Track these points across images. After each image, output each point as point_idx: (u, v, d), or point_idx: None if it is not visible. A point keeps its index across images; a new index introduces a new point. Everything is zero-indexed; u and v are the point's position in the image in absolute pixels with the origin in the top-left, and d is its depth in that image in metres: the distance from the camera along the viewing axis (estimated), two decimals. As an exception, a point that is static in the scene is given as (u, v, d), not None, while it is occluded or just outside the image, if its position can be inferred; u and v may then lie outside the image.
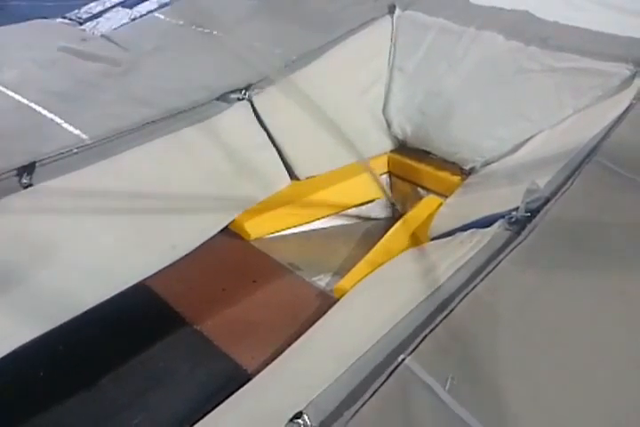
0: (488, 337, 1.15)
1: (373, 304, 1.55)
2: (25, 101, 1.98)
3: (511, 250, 1.33)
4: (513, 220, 1.47)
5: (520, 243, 1.35)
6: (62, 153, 1.72)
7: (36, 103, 1.96)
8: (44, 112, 1.92)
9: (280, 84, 2.21)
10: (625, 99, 1.85)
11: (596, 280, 1.26)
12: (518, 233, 1.40)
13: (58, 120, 1.87)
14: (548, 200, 1.47)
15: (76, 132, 1.81)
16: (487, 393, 1.04)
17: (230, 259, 2.15)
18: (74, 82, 2.19)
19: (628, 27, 2.12)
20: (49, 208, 1.65)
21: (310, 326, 1.57)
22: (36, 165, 1.67)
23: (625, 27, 2.12)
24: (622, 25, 2.14)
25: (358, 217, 2.51)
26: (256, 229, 2.25)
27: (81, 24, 2.97)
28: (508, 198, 1.57)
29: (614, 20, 2.21)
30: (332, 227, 2.42)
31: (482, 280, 1.26)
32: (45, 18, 3.05)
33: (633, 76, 1.93)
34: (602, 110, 1.90)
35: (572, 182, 1.52)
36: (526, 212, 1.45)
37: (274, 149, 2.22)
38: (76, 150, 1.74)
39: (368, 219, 2.53)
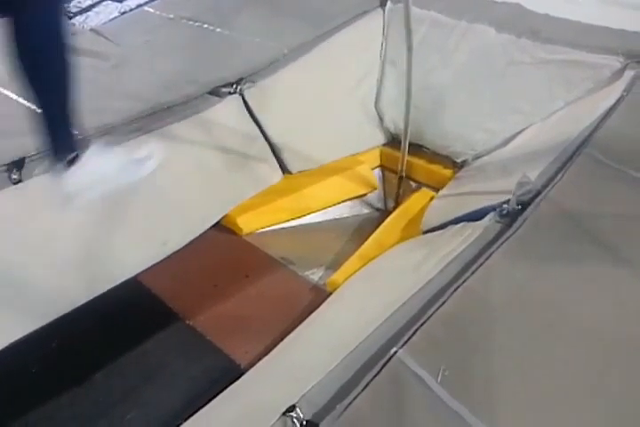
0: (479, 329, 1.15)
1: (366, 298, 1.55)
2: (13, 96, 1.96)
3: (502, 242, 1.34)
4: (504, 212, 1.47)
5: (511, 235, 1.35)
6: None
7: (24, 98, 1.94)
8: (33, 107, 1.90)
9: (272, 77, 2.20)
10: (616, 91, 1.86)
11: (586, 271, 1.26)
12: (509, 225, 1.41)
13: (47, 115, 1.85)
14: (539, 193, 1.48)
15: (66, 127, 1.79)
16: (479, 384, 1.05)
17: (222, 254, 2.15)
18: (63, 76, 2.16)
19: (619, 19, 2.12)
20: (39, 204, 1.64)
21: (303, 319, 1.57)
22: (26, 160, 1.65)
23: (615, 19, 2.12)
24: (613, 17, 2.15)
25: (351, 211, 2.51)
26: (248, 223, 2.24)
27: (70, 18, 2.95)
28: (500, 191, 1.58)
29: (605, 13, 2.21)
30: (324, 221, 2.42)
31: (473, 273, 1.26)
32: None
33: (623, 69, 1.93)
34: (593, 102, 1.91)
35: (563, 175, 1.52)
36: (517, 204, 1.46)
37: (266, 144, 2.21)
38: (66, 146, 1.73)
39: (360, 212, 2.54)
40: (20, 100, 1.94)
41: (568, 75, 2.03)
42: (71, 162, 1.26)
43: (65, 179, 1.26)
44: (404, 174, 2.35)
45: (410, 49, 1.90)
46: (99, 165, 1.29)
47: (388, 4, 2.51)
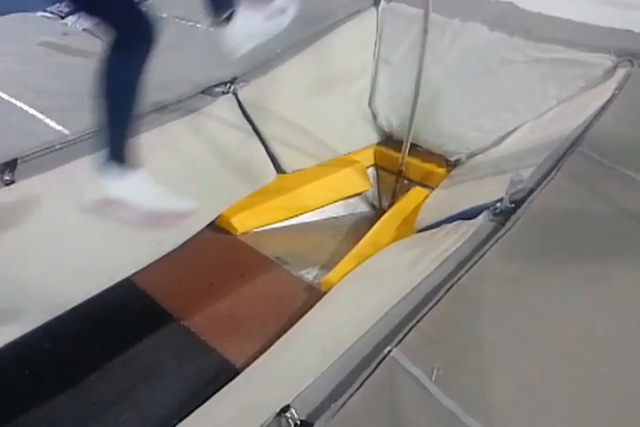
0: (473, 327, 1.15)
1: (360, 297, 1.55)
2: (5, 97, 1.95)
3: (496, 241, 1.34)
4: (497, 211, 1.48)
5: (504, 234, 1.36)
6: (45, 149, 1.70)
7: (16, 99, 1.94)
8: (26, 108, 1.89)
9: (265, 76, 2.20)
10: (607, 89, 1.87)
11: (578, 268, 1.27)
12: (503, 224, 1.41)
13: (40, 116, 1.85)
14: (531, 191, 1.49)
15: (59, 127, 1.79)
16: (473, 383, 1.05)
17: (217, 254, 2.14)
18: (55, 77, 2.16)
19: (610, 17, 2.13)
20: (32, 205, 1.63)
21: (298, 319, 1.57)
22: (18, 161, 1.65)
23: (607, 17, 2.13)
24: (604, 16, 2.15)
25: (345, 210, 2.51)
26: (243, 223, 2.24)
27: (62, 18, 2.93)
28: (493, 190, 1.58)
29: (597, 11, 2.22)
30: (319, 220, 2.42)
31: (467, 271, 1.26)
32: (26, 11, 3.00)
33: (615, 67, 1.94)
34: (585, 101, 1.92)
35: (556, 173, 1.53)
36: (510, 203, 1.46)
37: (260, 143, 2.21)
38: (58, 146, 1.72)
39: (355, 211, 2.54)
40: (12, 100, 1.94)
41: (560, 73, 2.04)
42: (228, 19, 1.43)
43: (226, 34, 1.45)
44: (403, 168, 2.35)
45: (426, 31, 1.91)
46: (250, 18, 1.44)
47: (382, 2, 2.51)
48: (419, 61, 1.98)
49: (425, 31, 1.91)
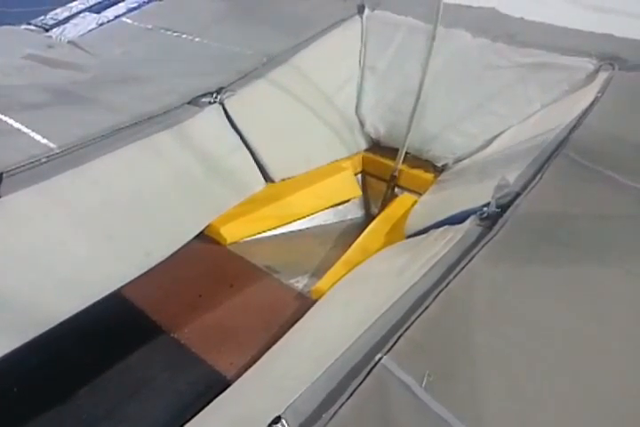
0: (462, 333, 1.15)
1: (350, 304, 1.55)
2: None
3: (483, 245, 1.34)
4: (484, 215, 1.48)
5: (492, 238, 1.36)
6: (30, 163, 1.69)
7: (1, 112, 1.93)
8: (10, 121, 1.88)
9: (252, 86, 2.20)
10: (590, 92, 1.89)
11: (566, 272, 1.27)
12: (490, 228, 1.42)
13: (24, 129, 1.84)
14: (518, 195, 1.49)
15: (44, 141, 1.78)
16: (463, 389, 1.05)
17: (206, 264, 2.13)
18: (40, 89, 2.15)
19: (592, 22, 2.16)
20: (19, 219, 1.62)
21: (289, 328, 1.57)
22: (3, 176, 1.63)
23: (588, 22, 2.16)
24: (586, 20, 2.18)
25: (334, 217, 2.51)
26: (232, 233, 2.23)
27: (47, 30, 2.94)
28: (480, 194, 1.59)
29: (578, 16, 2.25)
30: (308, 228, 2.42)
31: (455, 277, 1.26)
32: (10, 24, 3.00)
33: (597, 70, 1.97)
34: (568, 104, 1.94)
35: (541, 176, 1.54)
36: (497, 207, 1.47)
37: (247, 152, 2.21)
38: (44, 160, 1.71)
39: (344, 218, 2.54)
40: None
41: (544, 77, 2.06)
42: None
43: None
44: (397, 174, 2.35)
45: (433, 38, 1.92)
46: None
47: (366, 11, 2.53)
48: (422, 68, 1.99)
49: (432, 38, 1.93)
